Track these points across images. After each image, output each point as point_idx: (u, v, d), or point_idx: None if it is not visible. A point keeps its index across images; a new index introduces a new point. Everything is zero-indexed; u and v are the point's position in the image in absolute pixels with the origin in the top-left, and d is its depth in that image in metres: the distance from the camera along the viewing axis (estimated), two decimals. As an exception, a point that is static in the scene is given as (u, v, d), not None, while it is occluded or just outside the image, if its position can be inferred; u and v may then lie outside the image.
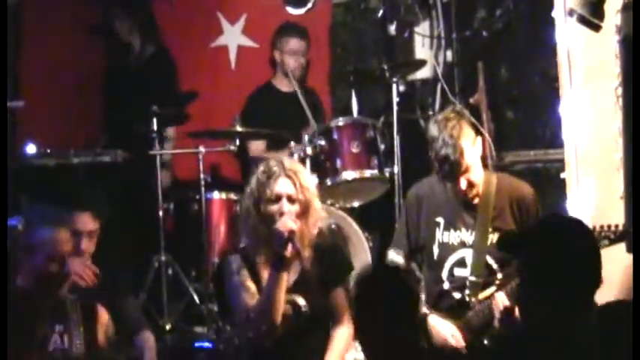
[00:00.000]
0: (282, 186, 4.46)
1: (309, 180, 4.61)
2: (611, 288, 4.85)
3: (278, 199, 4.45)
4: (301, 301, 4.47)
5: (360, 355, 4.75)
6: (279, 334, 4.39)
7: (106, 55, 7.19)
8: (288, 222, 4.38)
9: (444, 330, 4.63)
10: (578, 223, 3.30)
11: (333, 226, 5.52)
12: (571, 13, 4.98)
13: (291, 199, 4.46)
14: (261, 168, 4.53)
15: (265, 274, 4.46)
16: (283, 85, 6.83)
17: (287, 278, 4.42)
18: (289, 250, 4.36)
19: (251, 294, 4.45)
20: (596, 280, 3.15)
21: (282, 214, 4.42)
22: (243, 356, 4.57)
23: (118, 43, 6.99)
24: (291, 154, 6.07)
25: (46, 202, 4.52)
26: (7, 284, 4.17)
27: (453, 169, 4.61)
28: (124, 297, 4.95)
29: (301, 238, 4.43)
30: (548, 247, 3.13)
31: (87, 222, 4.86)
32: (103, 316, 4.45)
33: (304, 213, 4.47)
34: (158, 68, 6.93)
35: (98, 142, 6.86)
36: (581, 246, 3.16)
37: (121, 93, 6.90)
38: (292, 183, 4.47)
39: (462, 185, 4.64)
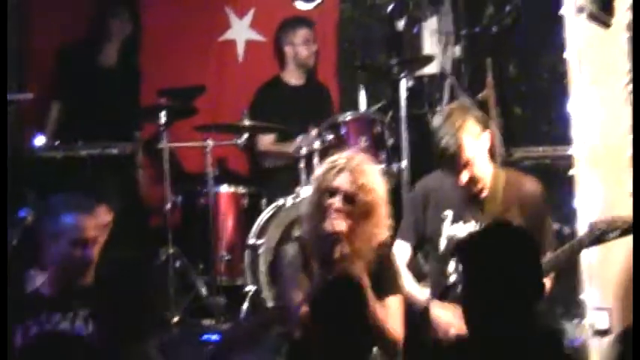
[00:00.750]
0: (341, 180, 4.18)
1: (377, 181, 4.25)
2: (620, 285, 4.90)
3: (335, 193, 4.19)
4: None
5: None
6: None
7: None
8: (336, 222, 4.14)
9: (445, 318, 4.63)
10: (521, 234, 3.27)
11: None
12: (581, 9, 4.98)
13: (348, 197, 4.17)
14: (331, 158, 4.29)
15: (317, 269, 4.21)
16: (292, 79, 6.84)
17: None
18: (337, 252, 4.13)
19: (301, 288, 4.21)
20: (536, 292, 3.12)
21: (335, 209, 4.16)
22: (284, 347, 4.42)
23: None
24: (299, 149, 6.09)
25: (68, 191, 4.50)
26: (7, 284, 4.18)
27: (452, 161, 4.62)
28: None
29: (359, 241, 4.17)
30: (488, 255, 3.12)
31: (102, 214, 4.87)
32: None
33: (365, 216, 4.17)
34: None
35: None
36: (522, 257, 3.13)
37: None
38: (353, 180, 4.17)
39: (462, 178, 4.65)
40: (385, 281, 4.28)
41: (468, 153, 4.62)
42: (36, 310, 4.17)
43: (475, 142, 4.66)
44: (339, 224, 4.14)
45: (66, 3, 7.03)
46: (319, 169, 4.33)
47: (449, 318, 4.57)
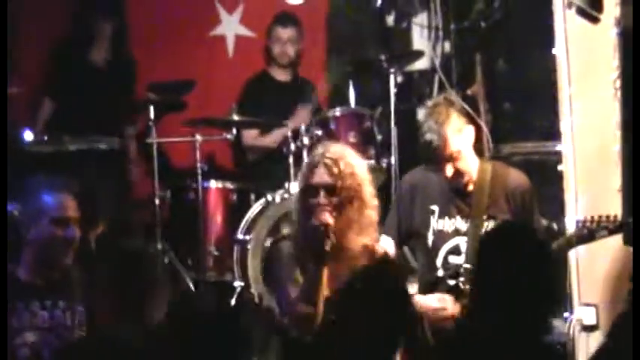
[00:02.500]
0: (318, 176, 4.23)
1: (356, 164, 4.28)
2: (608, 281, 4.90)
3: (317, 190, 4.22)
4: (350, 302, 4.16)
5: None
6: (317, 327, 4.13)
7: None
8: (322, 215, 4.15)
9: (430, 301, 4.62)
10: (531, 233, 3.26)
11: None
12: (570, 5, 4.99)
13: (329, 190, 4.20)
14: (308, 158, 4.33)
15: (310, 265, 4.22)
16: (278, 74, 6.84)
17: (326, 273, 4.13)
18: (327, 245, 4.12)
19: (296, 285, 4.23)
20: (548, 292, 3.12)
21: (319, 206, 4.18)
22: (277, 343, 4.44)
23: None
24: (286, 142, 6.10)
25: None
26: (6, 284, 4.16)
27: (436, 155, 4.63)
28: None
29: (348, 228, 4.19)
30: (498, 254, 3.11)
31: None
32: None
33: (350, 201, 4.19)
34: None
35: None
36: (532, 256, 3.12)
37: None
38: (329, 172, 4.21)
39: (447, 172, 4.68)
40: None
41: (453, 147, 4.64)
42: (13, 297, 4.13)
43: (459, 135, 4.67)
44: (325, 217, 4.16)
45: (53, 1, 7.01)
46: (301, 169, 4.37)
47: (436, 303, 4.60)
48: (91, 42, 6.74)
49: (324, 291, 4.14)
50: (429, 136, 4.61)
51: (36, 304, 4.16)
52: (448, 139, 4.62)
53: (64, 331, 4.18)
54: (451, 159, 4.65)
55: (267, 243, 5.95)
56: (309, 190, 4.25)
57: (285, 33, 6.75)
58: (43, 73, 6.87)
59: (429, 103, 4.78)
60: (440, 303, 4.63)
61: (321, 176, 4.23)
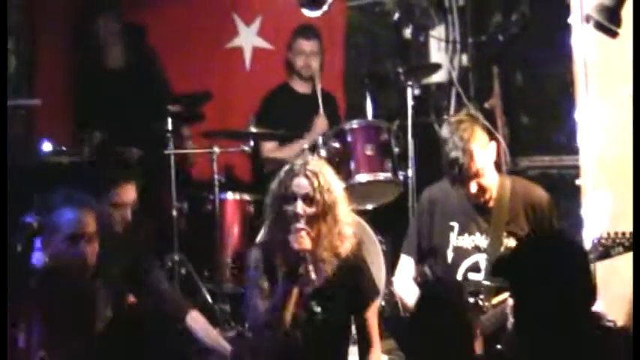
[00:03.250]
0: (298, 185, 4.34)
1: (333, 182, 4.41)
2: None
3: (294, 198, 4.34)
4: (317, 309, 4.39)
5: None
6: (289, 340, 4.32)
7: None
8: (303, 240, 4.26)
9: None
10: (570, 240, 3.26)
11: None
12: (588, 19, 4.96)
13: (307, 200, 4.32)
14: (287, 166, 4.43)
15: (281, 274, 4.37)
16: (299, 87, 6.84)
17: (297, 291, 4.30)
18: (302, 269, 4.24)
19: (264, 294, 4.39)
20: (589, 297, 3.12)
21: (296, 215, 4.30)
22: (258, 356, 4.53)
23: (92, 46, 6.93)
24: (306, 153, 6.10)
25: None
26: (7, 284, 4.17)
27: (462, 172, 4.62)
28: (157, 283, 4.89)
29: (320, 243, 4.32)
30: (538, 263, 3.11)
31: (131, 193, 4.83)
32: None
33: (324, 216, 4.33)
34: (143, 74, 6.89)
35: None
36: (572, 263, 3.13)
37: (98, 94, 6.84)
38: (310, 183, 4.32)
39: (471, 189, 4.65)
40: (359, 294, 4.44)
41: (478, 163, 4.62)
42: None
43: (483, 152, 4.65)
44: (305, 242, 4.27)
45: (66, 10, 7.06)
46: (276, 177, 4.46)
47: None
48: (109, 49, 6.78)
49: (291, 308, 4.29)
50: (454, 154, 4.59)
51: None
52: (474, 156, 4.60)
53: None
54: (476, 175, 4.63)
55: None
56: (286, 198, 4.34)
57: (309, 46, 6.75)
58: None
59: (452, 119, 4.75)
60: None
61: (302, 186, 4.34)
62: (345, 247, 4.41)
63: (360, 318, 4.47)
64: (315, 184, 4.33)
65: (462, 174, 4.62)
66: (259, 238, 4.65)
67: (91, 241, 4.22)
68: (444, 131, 4.67)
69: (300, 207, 4.31)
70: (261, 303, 4.37)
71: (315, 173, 4.36)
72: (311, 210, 4.33)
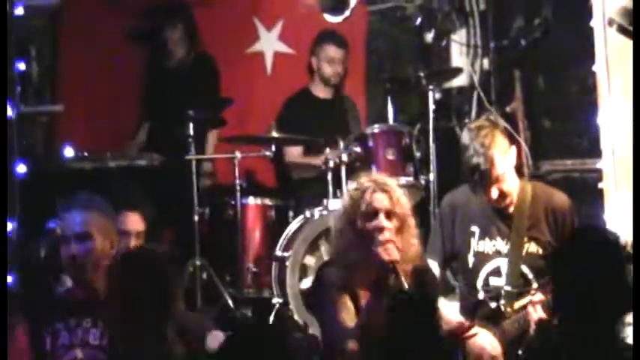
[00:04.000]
0: (378, 200, 4.28)
1: (401, 194, 4.36)
2: None
3: (375, 213, 4.27)
4: (407, 316, 4.21)
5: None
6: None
7: (145, 61, 7.20)
8: (392, 251, 4.20)
9: (479, 341, 4.58)
10: (611, 237, 3.25)
11: None
12: (610, 22, 4.94)
13: (388, 214, 4.27)
14: (353, 185, 4.37)
15: (361, 293, 4.27)
16: (320, 92, 6.84)
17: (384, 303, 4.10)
18: (392, 280, 4.18)
19: (349, 314, 4.26)
20: (627, 294, 3.11)
21: (381, 229, 4.23)
22: None
23: (161, 50, 7.00)
24: (327, 161, 6.10)
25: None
26: (6, 284, 4.20)
27: (483, 178, 4.61)
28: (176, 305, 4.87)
29: (402, 255, 4.25)
30: (579, 261, 3.10)
31: (135, 222, 4.89)
32: None
33: (401, 228, 4.28)
34: (201, 74, 6.95)
35: (132, 145, 6.90)
36: (612, 260, 3.11)
37: (160, 97, 6.92)
38: (389, 197, 4.28)
39: (492, 194, 4.64)
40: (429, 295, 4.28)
41: (499, 169, 4.61)
42: (64, 314, 4.19)
43: (504, 157, 4.64)
44: (394, 253, 4.21)
45: (98, 14, 7.11)
46: (345, 197, 4.41)
47: (482, 340, 4.53)
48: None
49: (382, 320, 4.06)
50: (475, 160, 4.58)
51: (88, 321, 4.19)
52: (495, 162, 4.59)
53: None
54: (497, 181, 4.62)
55: (306, 260, 5.98)
56: (367, 215, 4.27)
57: (337, 53, 6.75)
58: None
59: (472, 125, 4.73)
60: (485, 342, 4.54)
61: (382, 201, 4.28)
62: (416, 256, 4.37)
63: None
64: (394, 198, 4.30)
65: (482, 180, 4.61)
66: (325, 256, 4.53)
67: (93, 239, 4.25)
68: (464, 137, 4.66)
69: (384, 221, 4.26)
70: (347, 320, 4.24)
71: (390, 187, 4.33)
72: (392, 223, 4.27)
